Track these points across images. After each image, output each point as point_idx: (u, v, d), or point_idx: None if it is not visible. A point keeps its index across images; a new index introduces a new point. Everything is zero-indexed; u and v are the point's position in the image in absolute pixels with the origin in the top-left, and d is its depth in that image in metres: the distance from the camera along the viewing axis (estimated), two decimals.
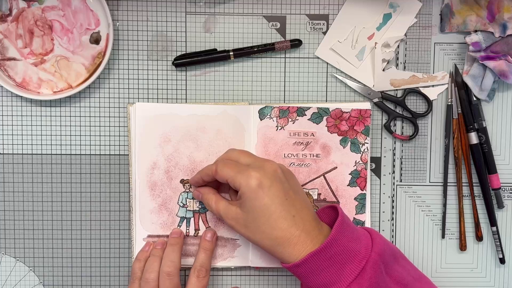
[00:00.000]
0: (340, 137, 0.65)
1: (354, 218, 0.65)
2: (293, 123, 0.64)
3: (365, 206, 0.65)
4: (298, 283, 0.67)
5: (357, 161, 0.65)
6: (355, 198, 0.65)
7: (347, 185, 0.65)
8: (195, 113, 0.64)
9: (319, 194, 0.65)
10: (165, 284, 0.59)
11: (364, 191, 0.65)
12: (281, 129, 0.65)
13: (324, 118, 0.64)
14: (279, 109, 0.64)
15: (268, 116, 0.64)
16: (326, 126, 0.65)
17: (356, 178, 0.65)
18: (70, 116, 0.65)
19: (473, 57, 0.65)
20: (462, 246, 0.67)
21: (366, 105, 0.65)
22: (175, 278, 0.60)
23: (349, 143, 0.65)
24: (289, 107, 0.64)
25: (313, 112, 0.64)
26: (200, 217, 0.65)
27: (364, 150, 0.65)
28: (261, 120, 0.64)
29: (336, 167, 0.65)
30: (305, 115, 0.64)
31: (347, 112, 0.64)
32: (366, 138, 0.65)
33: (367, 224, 0.66)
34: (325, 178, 0.65)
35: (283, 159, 0.65)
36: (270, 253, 0.56)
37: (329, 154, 0.65)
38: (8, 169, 0.65)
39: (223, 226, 0.65)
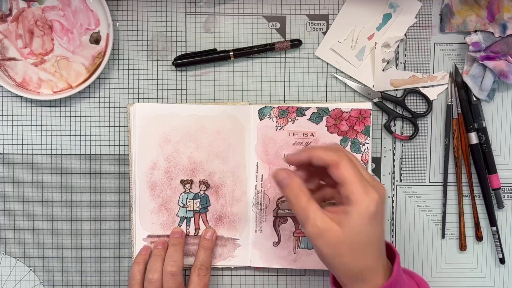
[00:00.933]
0: (340, 137, 0.65)
1: None
2: (292, 123, 0.64)
3: None
4: (297, 284, 0.67)
5: None
6: None
7: None
8: (195, 113, 0.64)
9: None
10: (169, 284, 0.60)
11: None
12: (280, 129, 0.65)
13: (324, 118, 0.64)
14: (278, 109, 0.64)
15: (268, 116, 0.64)
16: (326, 126, 0.65)
17: None
18: (70, 116, 0.65)
19: (473, 57, 0.65)
20: (462, 246, 0.67)
21: (366, 105, 0.65)
22: (179, 277, 0.60)
23: (349, 143, 0.65)
24: (288, 107, 0.64)
25: (313, 112, 0.64)
26: (200, 217, 0.65)
27: (364, 150, 0.65)
28: (261, 120, 0.64)
29: None
30: (305, 115, 0.64)
31: (347, 112, 0.64)
32: (366, 138, 0.65)
33: None
34: None
35: (283, 159, 0.64)
36: (344, 282, 0.52)
37: None
38: (8, 169, 0.65)
39: (223, 225, 0.65)
